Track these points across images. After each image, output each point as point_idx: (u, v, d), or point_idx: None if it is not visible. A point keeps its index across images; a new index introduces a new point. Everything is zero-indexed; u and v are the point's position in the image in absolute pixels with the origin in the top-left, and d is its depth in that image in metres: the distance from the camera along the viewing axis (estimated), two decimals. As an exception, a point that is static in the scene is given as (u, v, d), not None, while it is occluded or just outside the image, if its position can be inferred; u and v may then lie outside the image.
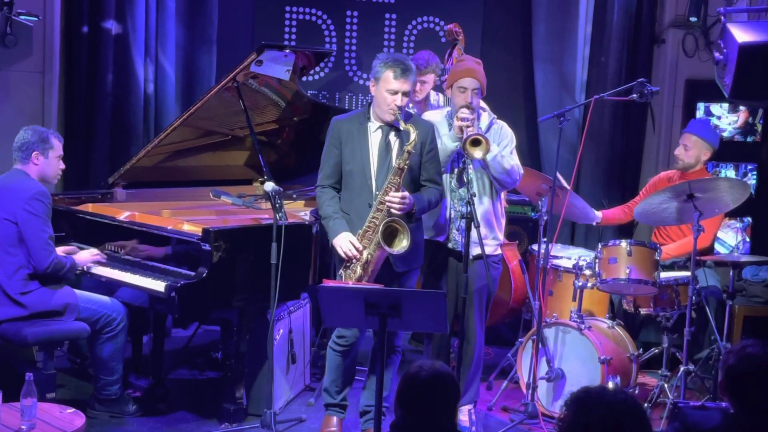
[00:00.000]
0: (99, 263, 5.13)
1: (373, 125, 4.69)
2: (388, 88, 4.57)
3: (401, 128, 4.58)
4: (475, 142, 4.64)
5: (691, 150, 5.87)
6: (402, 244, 4.51)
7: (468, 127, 4.67)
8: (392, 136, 4.66)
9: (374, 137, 4.68)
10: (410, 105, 5.93)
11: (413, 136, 4.52)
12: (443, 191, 4.80)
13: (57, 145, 4.99)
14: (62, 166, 5.06)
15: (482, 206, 4.84)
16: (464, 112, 4.73)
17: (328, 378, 4.88)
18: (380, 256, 4.58)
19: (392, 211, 4.51)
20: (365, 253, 4.55)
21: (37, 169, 4.93)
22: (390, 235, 4.52)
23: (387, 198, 4.52)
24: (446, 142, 4.77)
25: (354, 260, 4.56)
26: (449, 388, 3.06)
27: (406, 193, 4.54)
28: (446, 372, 3.09)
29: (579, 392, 2.63)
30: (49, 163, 4.96)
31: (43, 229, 4.84)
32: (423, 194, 4.65)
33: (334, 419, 4.89)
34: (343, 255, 4.56)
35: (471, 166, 4.79)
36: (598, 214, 6.00)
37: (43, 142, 4.92)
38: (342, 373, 4.83)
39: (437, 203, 4.76)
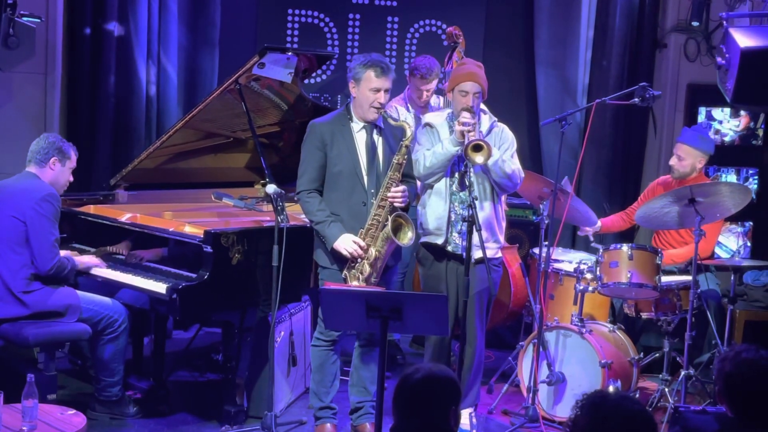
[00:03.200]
0: (98, 267, 5.15)
1: (357, 125, 4.77)
2: (371, 87, 4.67)
3: (395, 124, 4.72)
4: (477, 148, 4.65)
5: (685, 160, 5.84)
6: (408, 236, 4.65)
7: (469, 131, 4.68)
8: (375, 135, 4.79)
9: (359, 137, 4.77)
10: (410, 108, 5.97)
11: (409, 132, 4.67)
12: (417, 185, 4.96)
13: (73, 158, 5.08)
14: (71, 178, 5.12)
15: (483, 211, 4.84)
16: (465, 117, 4.73)
17: (315, 379, 4.90)
18: (388, 251, 4.66)
19: (395, 205, 4.65)
20: (372, 251, 4.62)
21: (51, 174, 4.98)
22: (395, 230, 4.62)
23: (390, 194, 4.62)
24: (447, 146, 4.78)
25: (360, 259, 4.60)
26: (445, 391, 3.02)
27: (405, 187, 4.70)
28: (443, 374, 3.06)
29: (595, 397, 2.63)
30: (63, 172, 5.03)
31: (51, 232, 4.86)
32: (409, 188, 4.79)
33: (328, 426, 4.90)
34: (348, 255, 4.60)
35: (472, 169, 4.80)
36: (598, 224, 5.99)
37: (63, 152, 5.00)
38: (328, 370, 4.86)
39: (415, 196, 4.95)
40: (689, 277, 5.33)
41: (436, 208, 4.88)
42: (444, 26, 7.12)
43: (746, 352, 3.15)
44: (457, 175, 4.86)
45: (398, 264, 5.00)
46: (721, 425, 3.15)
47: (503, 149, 4.89)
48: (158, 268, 5.07)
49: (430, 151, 4.83)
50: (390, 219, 4.61)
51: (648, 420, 2.60)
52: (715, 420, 3.20)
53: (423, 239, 4.96)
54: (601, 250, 5.47)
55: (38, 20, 6.10)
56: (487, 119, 4.96)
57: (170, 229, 5.13)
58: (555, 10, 7.15)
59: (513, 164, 4.90)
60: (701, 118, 7.00)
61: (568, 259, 5.94)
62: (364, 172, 4.73)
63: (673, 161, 5.91)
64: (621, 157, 7.18)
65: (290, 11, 7.15)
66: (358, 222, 4.68)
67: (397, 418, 3.03)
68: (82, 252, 5.33)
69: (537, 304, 5.34)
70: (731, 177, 6.98)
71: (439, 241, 4.89)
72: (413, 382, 3.01)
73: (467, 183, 4.76)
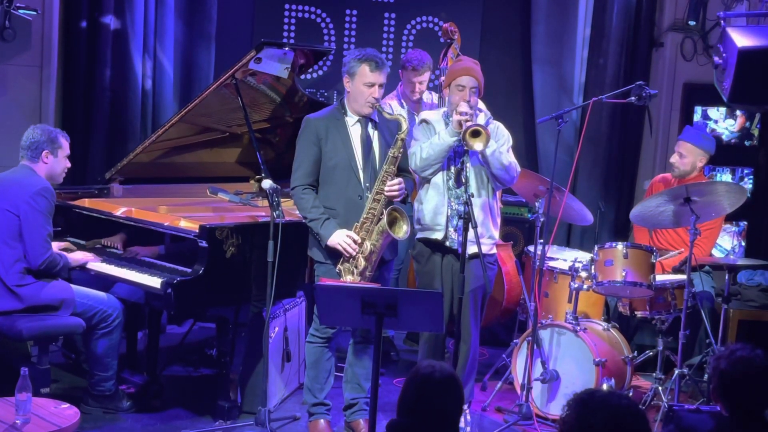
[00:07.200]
0: (92, 261, 5.14)
1: (351, 119, 4.78)
2: (365, 81, 4.68)
3: (390, 117, 4.71)
4: (475, 134, 4.65)
5: (687, 158, 5.86)
6: (404, 229, 4.66)
7: (467, 121, 4.69)
8: (370, 128, 4.80)
9: (354, 131, 4.77)
10: (404, 105, 5.97)
11: (404, 125, 4.66)
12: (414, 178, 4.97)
13: (65, 145, 5.04)
14: (68, 164, 5.09)
15: (481, 199, 4.85)
16: (463, 106, 4.74)
17: (309, 375, 4.90)
18: (383, 245, 4.66)
19: (393, 198, 4.65)
20: (368, 244, 4.62)
21: (46, 167, 4.96)
22: (390, 223, 4.61)
23: (387, 187, 4.63)
24: (444, 137, 4.78)
25: (355, 253, 4.62)
26: (461, 390, 3.07)
27: (401, 180, 4.70)
28: (454, 373, 3.10)
29: (582, 394, 2.63)
30: (58, 162, 5.01)
31: (44, 226, 4.85)
32: (406, 182, 4.79)
33: (322, 422, 4.89)
34: (344, 251, 4.60)
35: (469, 163, 4.81)
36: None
37: (53, 142, 4.96)
38: (323, 367, 4.86)
39: (412, 190, 4.95)
40: (684, 276, 5.34)
41: (434, 203, 4.87)
42: (441, 23, 7.12)
43: (741, 350, 3.16)
44: (453, 170, 4.86)
45: (394, 259, 4.99)
46: (716, 423, 3.15)
47: (499, 145, 4.89)
48: (153, 263, 5.06)
49: (427, 142, 4.82)
50: (385, 212, 4.61)
51: (637, 415, 2.59)
52: (710, 418, 3.20)
53: (419, 235, 4.96)
54: (596, 248, 5.48)
55: (34, 13, 6.10)
56: (483, 117, 4.96)
57: (165, 224, 5.13)
58: (552, 8, 7.15)
59: (510, 157, 4.91)
60: (697, 117, 7.01)
61: (563, 257, 5.95)
62: (359, 166, 4.73)
63: (674, 159, 5.91)
64: (617, 156, 7.18)
65: (287, 6, 7.14)
66: (354, 216, 4.69)
67: (408, 416, 3.01)
68: (76, 246, 5.32)
69: (531, 301, 5.34)
70: (726, 176, 6.99)
71: (438, 236, 4.88)
72: (435, 382, 3.00)
73: (463, 180, 4.76)
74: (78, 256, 5.13)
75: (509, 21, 7.40)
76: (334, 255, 4.70)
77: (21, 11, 5.97)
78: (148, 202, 5.60)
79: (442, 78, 5.77)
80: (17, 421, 3.88)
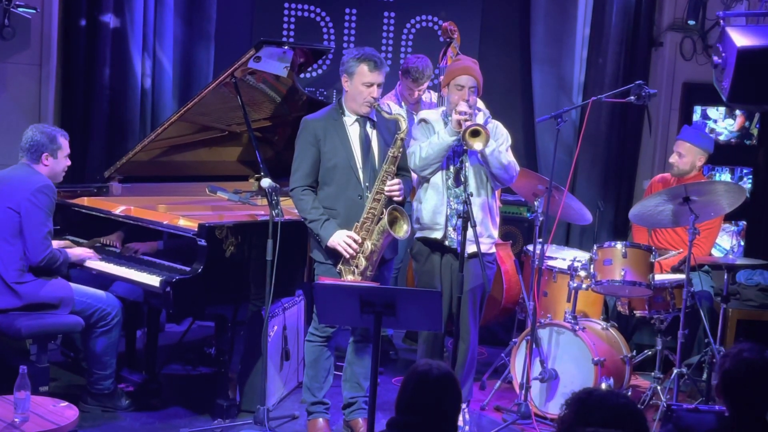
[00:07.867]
0: (92, 259, 5.13)
1: (350, 119, 4.77)
2: (364, 81, 4.67)
3: (389, 117, 4.70)
4: (475, 133, 4.66)
5: (686, 157, 5.86)
6: (404, 229, 4.66)
7: (466, 120, 4.69)
8: (369, 128, 4.79)
9: (352, 130, 4.77)
10: (403, 105, 5.97)
11: (404, 125, 4.66)
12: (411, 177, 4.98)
13: (64, 144, 5.03)
14: (68, 162, 5.09)
15: (480, 198, 4.85)
16: (462, 106, 4.74)
17: (308, 374, 4.90)
18: (384, 244, 4.66)
19: (393, 198, 4.66)
20: (368, 244, 4.62)
21: (47, 169, 4.97)
22: (391, 222, 4.62)
23: (387, 187, 4.63)
24: (444, 136, 4.78)
25: (356, 253, 4.62)
26: (458, 388, 3.07)
27: (400, 180, 4.70)
28: (451, 371, 3.11)
29: (581, 393, 2.64)
30: (58, 162, 5.01)
31: (45, 223, 4.85)
32: (404, 182, 4.79)
33: (320, 421, 4.89)
34: (344, 252, 4.60)
35: (468, 163, 4.81)
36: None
37: (52, 143, 4.96)
38: (322, 366, 4.86)
39: (410, 190, 4.96)
40: (683, 276, 5.34)
41: (433, 202, 4.87)
42: (440, 22, 7.12)
43: (748, 351, 3.14)
44: (452, 169, 4.86)
45: (394, 258, 4.99)
46: (717, 423, 3.15)
47: (498, 144, 4.90)
48: (152, 261, 5.06)
49: (426, 142, 4.82)
50: (386, 212, 4.61)
51: (635, 414, 2.59)
52: (712, 417, 3.20)
53: (419, 234, 4.96)
54: (595, 248, 5.48)
55: (34, 11, 6.09)
56: (482, 116, 4.96)
57: (164, 222, 5.13)
58: (551, 7, 7.15)
59: (509, 156, 4.91)
60: (696, 116, 7.01)
61: (561, 257, 5.95)
62: (358, 166, 4.73)
63: (673, 158, 5.91)
64: (616, 155, 7.19)
65: (286, 5, 7.14)
66: (355, 215, 4.69)
67: (406, 414, 3.01)
68: (75, 244, 5.32)
69: (530, 300, 5.34)
70: (725, 176, 7.00)
71: (438, 235, 4.88)
72: (432, 379, 3.01)
73: (462, 179, 4.77)
74: (78, 251, 5.12)
75: (509, 20, 7.40)
76: (335, 255, 4.70)
77: (20, 9, 5.97)
78: (147, 200, 5.60)
79: (442, 77, 5.78)
80: (16, 420, 3.87)
